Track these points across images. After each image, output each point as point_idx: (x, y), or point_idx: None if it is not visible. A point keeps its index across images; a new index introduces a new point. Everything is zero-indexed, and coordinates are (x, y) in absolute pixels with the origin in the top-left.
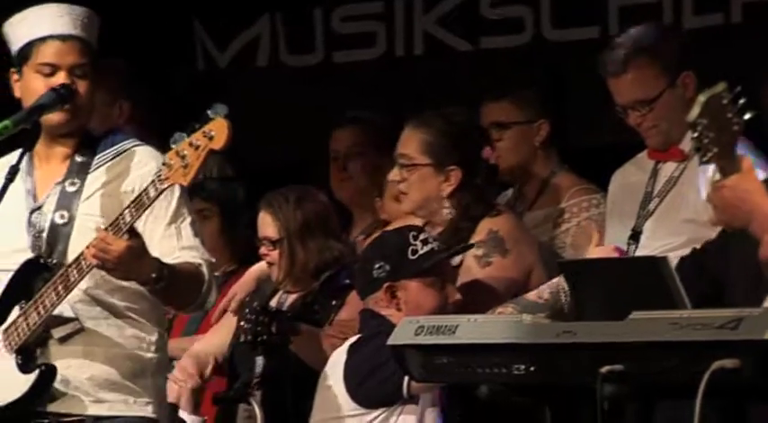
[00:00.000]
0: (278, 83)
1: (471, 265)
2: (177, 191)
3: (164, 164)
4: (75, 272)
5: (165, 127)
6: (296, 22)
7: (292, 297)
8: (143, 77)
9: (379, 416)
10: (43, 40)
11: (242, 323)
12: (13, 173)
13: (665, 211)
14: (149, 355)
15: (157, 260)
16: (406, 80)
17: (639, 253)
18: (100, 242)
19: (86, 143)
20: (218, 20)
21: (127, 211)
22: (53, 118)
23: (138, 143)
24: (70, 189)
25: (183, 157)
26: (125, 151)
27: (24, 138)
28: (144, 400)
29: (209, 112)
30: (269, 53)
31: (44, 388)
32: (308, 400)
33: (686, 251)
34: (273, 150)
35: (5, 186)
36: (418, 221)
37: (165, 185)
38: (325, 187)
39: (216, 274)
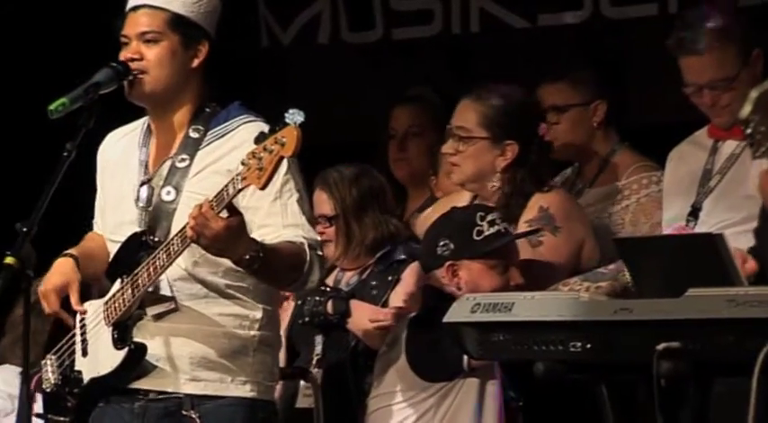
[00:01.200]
0: (339, 60)
1: (522, 244)
2: (284, 166)
3: (242, 163)
4: (166, 253)
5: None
6: (356, 0)
7: (348, 274)
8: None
9: (440, 389)
10: (127, 13)
11: (299, 302)
12: (71, 150)
13: (725, 187)
14: (251, 332)
15: (254, 241)
16: (462, 58)
17: (698, 230)
18: (200, 217)
19: (200, 116)
20: None
21: (213, 202)
22: (126, 90)
23: (249, 119)
24: (180, 165)
25: (259, 160)
26: (235, 128)
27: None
28: (241, 379)
29: (286, 116)
30: (330, 30)
31: (132, 366)
32: (367, 376)
33: (744, 227)
34: (333, 128)
35: (66, 163)
36: (467, 195)
37: (243, 185)
38: (384, 165)
39: (320, 253)
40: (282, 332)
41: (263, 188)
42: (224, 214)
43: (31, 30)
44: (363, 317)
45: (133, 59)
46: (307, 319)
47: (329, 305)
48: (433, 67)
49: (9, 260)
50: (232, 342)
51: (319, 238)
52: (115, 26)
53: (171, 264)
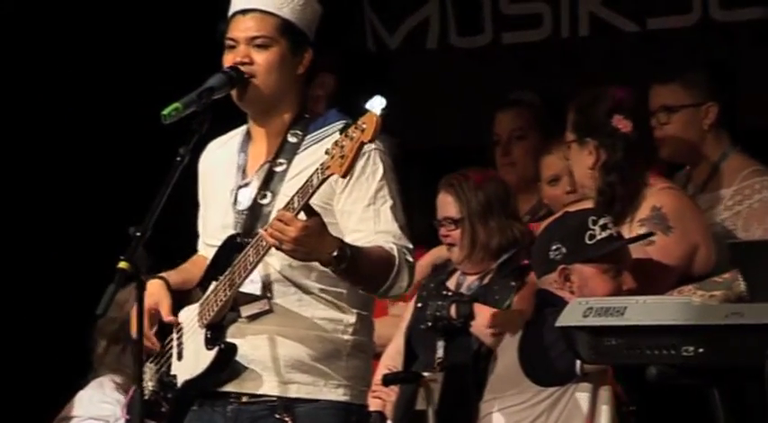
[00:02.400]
0: (447, 64)
1: (634, 245)
2: (380, 173)
3: (326, 152)
4: (255, 250)
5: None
6: (464, 4)
7: (470, 279)
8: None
9: (553, 393)
10: (233, 16)
11: (419, 305)
12: (184, 155)
13: None
14: (345, 337)
15: (339, 240)
16: (571, 61)
17: None
18: (276, 222)
19: (299, 122)
20: (388, 2)
21: (296, 197)
22: (233, 96)
23: (345, 124)
24: (277, 169)
25: (341, 148)
26: (332, 133)
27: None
28: (335, 383)
29: (367, 104)
30: (438, 35)
31: (223, 366)
32: (487, 381)
33: None
34: (442, 132)
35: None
36: (590, 202)
37: (326, 175)
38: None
39: (411, 260)
40: (401, 335)
41: (344, 176)
42: (302, 216)
43: (143, 35)
44: (486, 320)
45: (243, 63)
46: (429, 323)
47: (452, 309)
48: (543, 71)
49: (122, 264)
50: (326, 346)
51: (411, 246)
52: (218, 29)
53: (260, 260)
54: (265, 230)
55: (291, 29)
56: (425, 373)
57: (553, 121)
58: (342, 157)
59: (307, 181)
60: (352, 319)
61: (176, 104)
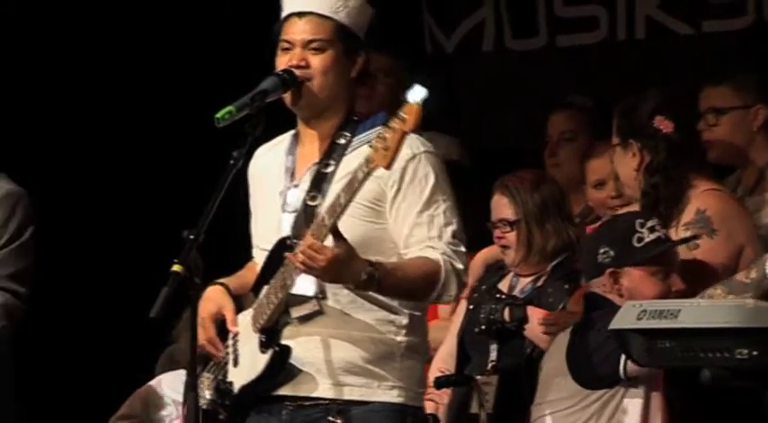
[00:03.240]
0: (503, 67)
1: (679, 249)
2: (432, 176)
3: (370, 146)
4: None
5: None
6: (519, 7)
7: (524, 281)
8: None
9: (602, 396)
10: (287, 17)
11: (471, 306)
12: (237, 158)
13: None
14: (398, 338)
15: (368, 262)
16: (627, 64)
17: None
18: (306, 250)
19: (347, 124)
20: (445, 5)
21: (342, 193)
22: (286, 99)
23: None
24: (326, 170)
25: (384, 140)
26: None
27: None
28: (389, 384)
29: (408, 94)
30: (494, 38)
31: (277, 369)
32: None
33: None
34: (496, 134)
35: (232, 171)
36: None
37: (371, 168)
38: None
39: (460, 266)
40: (453, 337)
41: (387, 167)
42: (329, 241)
43: (196, 38)
44: (540, 323)
45: (299, 67)
46: (483, 326)
47: (506, 312)
48: (598, 73)
49: (176, 268)
50: (379, 347)
51: (463, 250)
52: (272, 31)
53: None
54: (294, 255)
55: (346, 32)
56: (478, 377)
57: (606, 124)
58: (385, 149)
59: (352, 177)
60: (404, 320)
61: (230, 107)
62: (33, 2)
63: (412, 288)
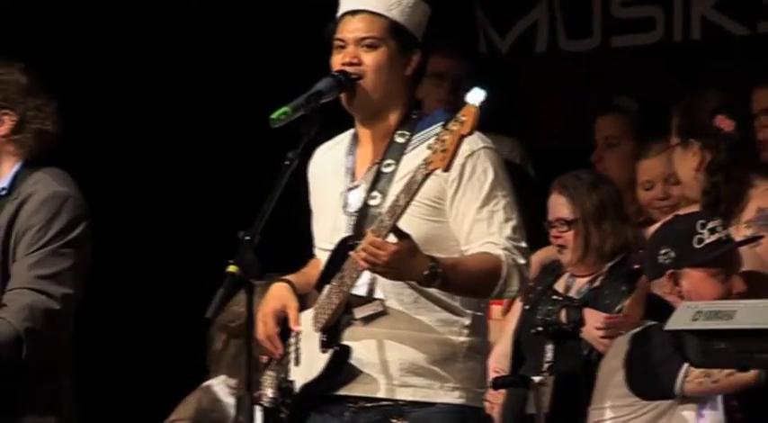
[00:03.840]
0: (556, 68)
1: (741, 247)
2: (491, 172)
3: (429, 147)
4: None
5: None
6: (574, 7)
7: (580, 281)
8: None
9: (655, 407)
10: (342, 16)
11: (526, 307)
12: (293, 159)
13: None
14: (461, 339)
15: (430, 258)
16: (683, 65)
17: None
18: (368, 247)
19: (406, 123)
20: (499, 5)
21: (401, 194)
22: (342, 99)
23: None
24: (386, 170)
25: (442, 142)
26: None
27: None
28: (450, 386)
29: (467, 96)
30: (547, 38)
31: (338, 368)
32: None
33: None
34: (549, 134)
35: (288, 171)
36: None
37: (429, 170)
38: None
39: (522, 261)
40: (508, 337)
41: (446, 170)
42: (391, 238)
43: (252, 38)
44: (597, 326)
45: (351, 64)
46: (540, 328)
47: (563, 314)
48: (653, 74)
49: (232, 268)
50: (442, 348)
51: (525, 245)
52: (327, 30)
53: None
54: (356, 253)
55: (400, 30)
56: (535, 378)
57: (656, 126)
58: (443, 151)
59: (411, 178)
60: (467, 320)
61: (285, 108)
62: (93, 5)
63: (475, 283)
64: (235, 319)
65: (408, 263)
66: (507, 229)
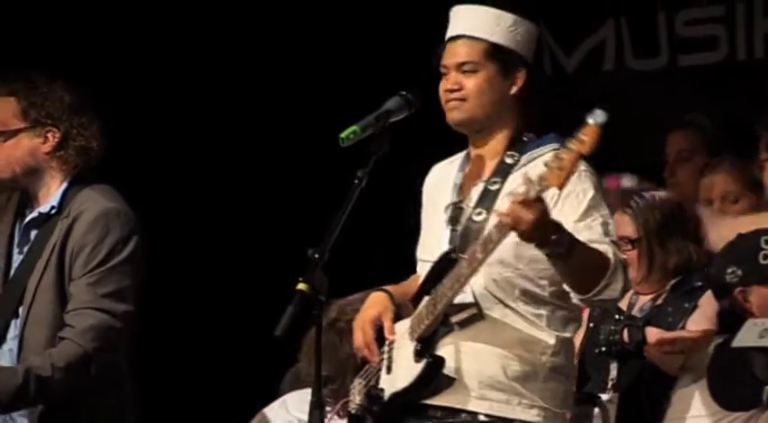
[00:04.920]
0: (623, 86)
1: None
2: (590, 192)
3: (545, 164)
4: (467, 265)
5: None
6: (640, 27)
7: (643, 299)
8: None
9: (737, 418)
10: (446, 42)
11: (591, 325)
12: (362, 177)
13: None
14: (543, 358)
15: (559, 224)
16: (747, 83)
17: None
18: (516, 205)
19: (516, 144)
20: (565, 25)
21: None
22: (447, 116)
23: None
24: (491, 187)
25: (560, 160)
26: (544, 155)
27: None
28: (529, 403)
29: (588, 116)
30: (614, 57)
31: (430, 379)
32: (663, 402)
33: None
34: (618, 153)
35: (357, 190)
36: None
37: (543, 186)
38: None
39: (624, 264)
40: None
41: (560, 187)
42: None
43: (325, 56)
44: (659, 344)
45: (453, 90)
46: (603, 348)
47: (625, 334)
48: (719, 92)
49: (301, 286)
50: (523, 366)
51: (624, 258)
52: (436, 54)
53: (473, 273)
54: (501, 212)
55: (501, 52)
56: (602, 395)
57: (726, 143)
58: (559, 168)
59: (522, 193)
60: (551, 340)
61: (354, 127)
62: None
63: (587, 267)
64: (341, 316)
65: (544, 225)
66: (608, 241)
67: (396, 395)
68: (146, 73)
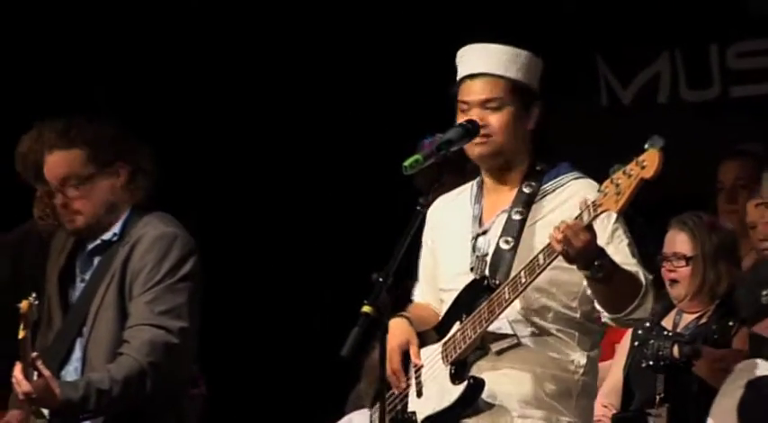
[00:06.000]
0: (678, 117)
1: None
2: (613, 216)
3: (599, 190)
4: (512, 288)
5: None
6: (694, 59)
7: (687, 318)
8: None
9: None
10: (462, 80)
11: (636, 343)
12: (424, 204)
13: None
14: (576, 377)
15: (601, 249)
16: None
17: None
18: (568, 230)
19: (532, 175)
20: (622, 58)
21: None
22: (469, 151)
23: (579, 176)
24: (515, 217)
25: (617, 185)
26: (566, 184)
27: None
28: (566, 420)
29: (646, 143)
30: (669, 89)
31: (471, 400)
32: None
33: None
34: (672, 180)
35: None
36: None
37: (599, 211)
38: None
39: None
40: (618, 373)
41: (618, 212)
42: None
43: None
44: (710, 361)
45: None
46: (651, 362)
47: (675, 349)
48: None
49: (366, 309)
50: (559, 385)
51: (651, 277)
52: (450, 93)
53: (515, 299)
54: (553, 234)
55: (520, 88)
56: (650, 410)
57: None
58: (617, 193)
59: (576, 217)
60: (583, 360)
61: (417, 156)
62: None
63: (623, 288)
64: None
65: (590, 249)
66: (636, 262)
67: (431, 418)
68: (204, 96)
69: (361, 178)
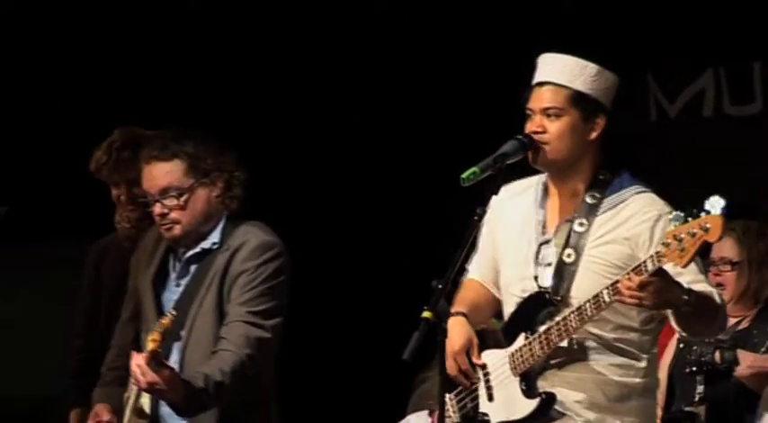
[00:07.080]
0: (722, 132)
1: None
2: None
3: (663, 243)
4: (579, 316)
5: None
6: (737, 76)
7: (729, 321)
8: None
9: None
10: (533, 87)
11: (681, 345)
12: (481, 214)
13: None
14: (636, 380)
15: (684, 290)
16: None
17: None
18: (630, 292)
19: (596, 183)
20: (669, 74)
21: (625, 277)
22: (529, 159)
23: (642, 190)
24: (578, 229)
25: (679, 241)
26: (629, 198)
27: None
28: (630, 420)
29: (706, 203)
30: (713, 104)
31: (543, 414)
32: (748, 417)
33: None
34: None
35: (477, 226)
36: None
37: (663, 263)
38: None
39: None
40: (664, 373)
41: (684, 267)
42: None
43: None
44: (750, 366)
45: (536, 132)
46: (695, 368)
47: (717, 355)
48: None
49: (426, 314)
50: (620, 389)
51: (725, 299)
52: (523, 97)
53: (582, 326)
54: (621, 295)
55: (584, 98)
56: (687, 409)
57: None
58: (681, 249)
59: (640, 264)
60: (642, 363)
61: (474, 168)
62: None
63: (704, 314)
64: None
65: (668, 295)
66: (703, 275)
67: None
68: (281, 107)
69: (423, 187)
